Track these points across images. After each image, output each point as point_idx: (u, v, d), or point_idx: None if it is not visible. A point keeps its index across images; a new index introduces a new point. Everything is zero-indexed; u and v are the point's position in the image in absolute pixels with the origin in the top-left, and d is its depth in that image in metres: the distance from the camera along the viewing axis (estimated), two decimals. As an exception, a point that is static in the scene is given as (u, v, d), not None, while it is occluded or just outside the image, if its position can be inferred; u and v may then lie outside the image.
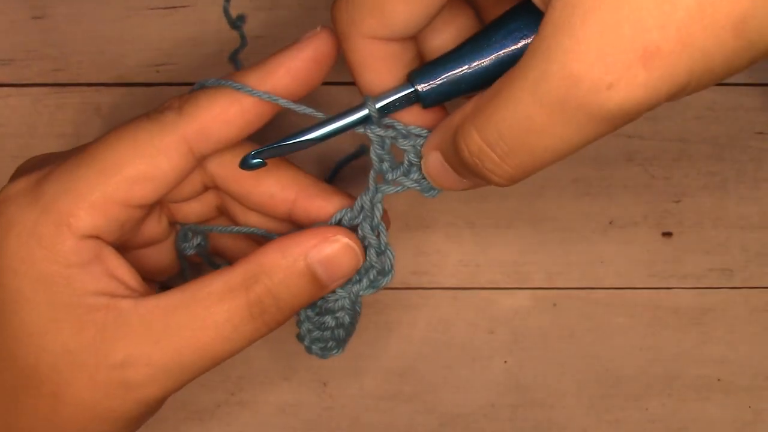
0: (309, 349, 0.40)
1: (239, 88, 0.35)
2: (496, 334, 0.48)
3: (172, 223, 0.41)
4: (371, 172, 0.36)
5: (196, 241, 0.41)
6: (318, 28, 0.36)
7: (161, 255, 0.41)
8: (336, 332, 0.39)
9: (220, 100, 0.36)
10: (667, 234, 0.48)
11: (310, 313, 0.39)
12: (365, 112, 0.34)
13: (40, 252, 0.34)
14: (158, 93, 0.47)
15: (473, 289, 0.48)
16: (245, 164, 0.36)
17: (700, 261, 0.48)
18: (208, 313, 0.34)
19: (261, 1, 0.47)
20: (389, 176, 0.36)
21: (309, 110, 0.36)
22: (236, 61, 0.46)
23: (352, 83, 0.36)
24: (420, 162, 0.36)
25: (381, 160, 0.36)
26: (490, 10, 0.36)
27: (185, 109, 0.36)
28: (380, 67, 0.34)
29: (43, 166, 0.37)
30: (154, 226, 0.40)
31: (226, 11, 0.46)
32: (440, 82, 0.33)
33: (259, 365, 0.48)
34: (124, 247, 0.38)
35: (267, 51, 0.47)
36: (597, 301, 0.48)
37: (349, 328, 0.39)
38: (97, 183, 0.34)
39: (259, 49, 0.47)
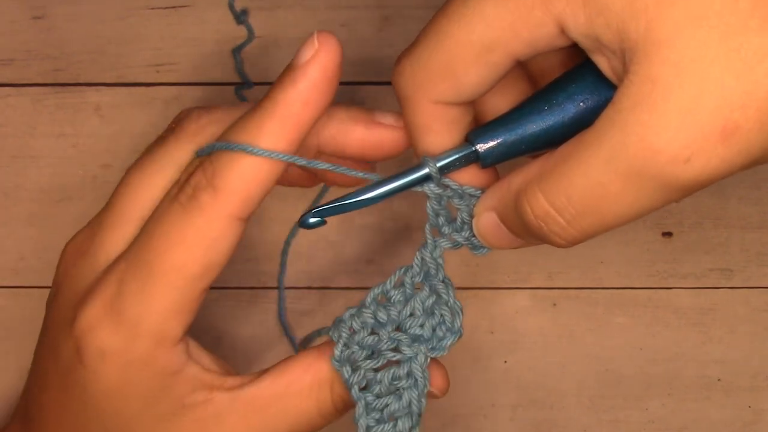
0: None
1: (259, 154, 0.34)
2: (496, 334, 0.48)
3: None
4: (427, 225, 0.36)
5: None
6: (314, 41, 0.34)
7: None
8: (401, 424, 0.36)
9: (247, 163, 0.34)
10: (667, 234, 0.48)
11: (370, 398, 0.36)
12: (425, 171, 0.34)
13: (139, 374, 0.35)
14: (158, 93, 0.47)
15: (473, 289, 0.48)
16: (305, 224, 0.35)
17: (700, 261, 0.48)
18: (300, 407, 0.36)
19: (261, 1, 0.47)
20: (445, 230, 0.36)
21: (357, 173, 0.36)
22: (237, 57, 0.46)
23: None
24: (471, 221, 0.36)
25: (437, 215, 0.36)
26: (543, 75, 0.36)
27: (218, 186, 0.34)
28: (442, 130, 0.34)
29: (88, 250, 0.37)
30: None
31: (231, 7, 0.46)
32: (500, 142, 0.34)
33: (260, 365, 0.48)
34: None
35: (267, 51, 0.47)
36: (597, 301, 0.48)
37: (416, 415, 0.36)
38: (171, 293, 0.35)
39: (260, 49, 0.47)
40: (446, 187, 0.35)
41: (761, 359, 0.48)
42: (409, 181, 0.35)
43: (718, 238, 0.48)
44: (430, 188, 0.35)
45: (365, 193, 0.35)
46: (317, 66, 0.34)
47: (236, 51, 0.47)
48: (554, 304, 0.48)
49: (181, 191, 0.35)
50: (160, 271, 0.34)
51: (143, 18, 0.47)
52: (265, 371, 0.37)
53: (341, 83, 0.47)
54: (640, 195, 0.29)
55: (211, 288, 0.48)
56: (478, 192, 0.35)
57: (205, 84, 0.47)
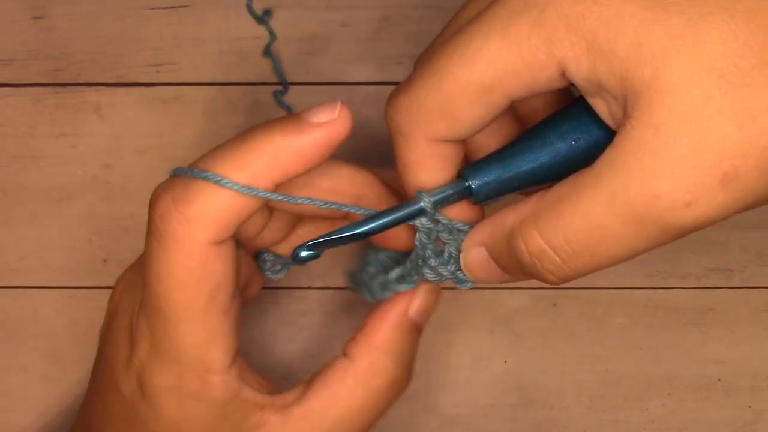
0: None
1: (227, 186, 0.33)
2: (496, 334, 0.48)
3: (258, 256, 0.41)
4: (412, 255, 0.37)
5: (279, 265, 0.41)
6: (336, 109, 0.34)
7: (256, 285, 0.41)
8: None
9: (225, 195, 0.33)
10: (667, 234, 0.48)
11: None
12: (419, 206, 0.35)
13: (196, 407, 0.35)
14: (158, 93, 0.47)
15: (473, 289, 0.48)
16: (297, 257, 0.35)
17: (700, 261, 0.48)
18: (351, 409, 0.37)
19: (262, 1, 0.47)
20: (431, 262, 0.37)
21: (335, 205, 0.36)
22: (270, 54, 0.46)
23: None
24: (458, 255, 0.37)
25: (425, 248, 0.37)
26: (529, 113, 0.37)
27: (190, 215, 0.33)
28: (435, 166, 0.35)
29: (132, 283, 0.38)
30: (246, 272, 0.40)
31: (249, 8, 0.46)
32: (494, 179, 0.34)
33: (260, 365, 0.48)
34: None
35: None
36: (597, 301, 0.48)
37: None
38: (192, 329, 0.35)
39: (259, 49, 0.47)
40: (437, 221, 0.36)
41: (761, 359, 0.48)
42: (403, 215, 0.35)
43: (718, 238, 0.48)
44: (421, 222, 0.36)
45: (359, 227, 0.35)
46: (326, 132, 0.34)
47: (267, 53, 0.46)
48: (554, 304, 0.48)
49: (151, 221, 0.34)
50: (172, 313, 0.34)
51: (143, 18, 0.47)
52: (307, 385, 0.37)
53: (341, 83, 0.47)
54: (637, 237, 0.30)
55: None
56: (467, 227, 0.36)
57: (205, 84, 0.47)
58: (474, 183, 0.34)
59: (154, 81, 0.47)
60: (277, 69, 0.47)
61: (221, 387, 0.35)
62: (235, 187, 0.33)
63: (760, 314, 0.48)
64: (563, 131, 0.33)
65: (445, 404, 0.48)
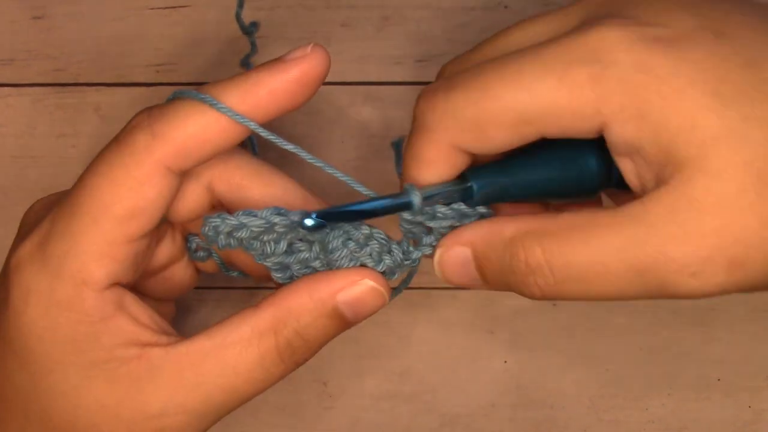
0: None
1: (216, 106, 0.35)
2: (496, 334, 0.48)
3: (187, 237, 0.41)
4: (403, 240, 0.37)
5: (203, 251, 0.41)
6: (309, 48, 0.35)
7: (184, 272, 0.41)
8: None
9: (194, 119, 0.35)
10: (667, 234, 0.48)
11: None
12: (408, 200, 0.35)
13: (63, 316, 0.34)
14: (158, 93, 0.47)
15: (473, 289, 0.48)
16: (303, 225, 0.36)
17: (700, 261, 0.48)
18: (239, 359, 0.35)
19: (261, 1, 0.47)
20: (405, 246, 0.37)
21: (289, 145, 0.36)
22: (248, 65, 0.46)
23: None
24: (428, 247, 0.37)
25: (407, 235, 0.37)
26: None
27: (157, 130, 0.34)
28: (443, 169, 0.35)
29: (47, 213, 0.37)
30: (169, 247, 0.39)
31: (238, 17, 0.46)
32: (493, 186, 0.35)
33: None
34: (145, 275, 0.38)
35: (267, 51, 0.47)
36: (597, 301, 0.48)
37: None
38: (95, 232, 0.34)
39: (259, 50, 0.47)
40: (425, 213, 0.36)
41: (761, 359, 0.48)
42: (393, 205, 0.35)
43: (718, 238, 0.48)
44: (403, 216, 0.36)
45: (363, 205, 0.35)
46: (298, 67, 0.35)
47: (245, 64, 0.47)
48: (554, 304, 0.48)
49: (122, 130, 0.35)
50: (85, 208, 0.34)
51: (143, 18, 0.47)
52: (205, 328, 0.36)
53: (341, 83, 0.47)
54: (633, 285, 0.32)
55: (211, 288, 0.48)
56: (450, 213, 0.36)
57: (204, 84, 0.47)
58: (475, 185, 0.35)
59: (154, 81, 0.47)
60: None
61: (91, 303, 0.34)
62: (222, 108, 0.34)
63: (760, 314, 0.48)
64: (565, 157, 0.35)
65: (445, 404, 0.48)
